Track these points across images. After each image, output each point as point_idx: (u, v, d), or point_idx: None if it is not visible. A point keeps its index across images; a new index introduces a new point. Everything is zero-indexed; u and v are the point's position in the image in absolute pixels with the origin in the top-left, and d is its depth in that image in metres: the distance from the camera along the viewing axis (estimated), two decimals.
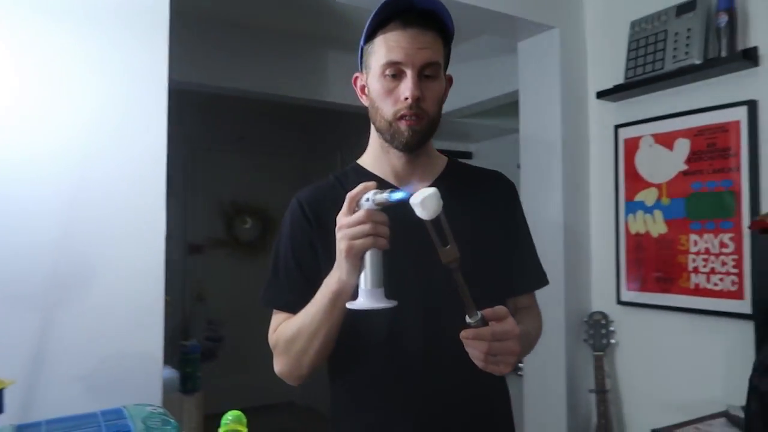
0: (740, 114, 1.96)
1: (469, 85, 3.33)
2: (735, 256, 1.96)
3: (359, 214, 0.92)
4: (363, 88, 1.16)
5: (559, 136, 2.41)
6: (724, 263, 1.99)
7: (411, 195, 0.86)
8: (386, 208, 0.92)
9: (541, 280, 1.23)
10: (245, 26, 3.05)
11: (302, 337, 1.05)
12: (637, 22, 2.25)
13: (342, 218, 0.94)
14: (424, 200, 0.83)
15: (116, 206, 1.55)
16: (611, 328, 2.32)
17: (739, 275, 1.95)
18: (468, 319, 0.90)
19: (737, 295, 1.95)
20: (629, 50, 2.26)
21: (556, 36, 2.43)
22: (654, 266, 2.20)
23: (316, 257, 1.11)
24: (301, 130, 5.21)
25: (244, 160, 5.25)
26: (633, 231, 2.29)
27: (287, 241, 1.15)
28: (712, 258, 2.03)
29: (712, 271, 2.02)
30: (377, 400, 1.09)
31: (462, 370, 0.99)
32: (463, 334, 0.90)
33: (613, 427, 2.28)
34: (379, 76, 1.07)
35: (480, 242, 1.11)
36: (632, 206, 2.29)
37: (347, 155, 4.50)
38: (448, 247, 0.89)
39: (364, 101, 1.17)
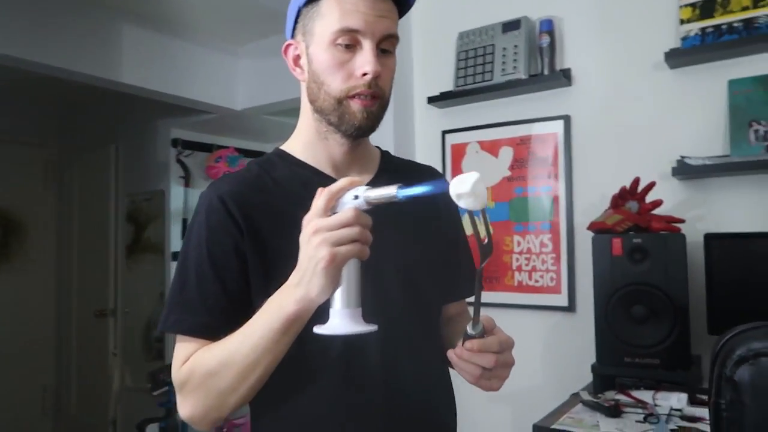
0: (557, 127, 2.18)
1: (280, 80, 3.14)
2: (553, 255, 2.17)
3: (347, 214, 0.73)
4: (298, 58, 0.96)
5: (392, 141, 2.40)
6: (544, 261, 2.19)
7: (439, 188, 0.72)
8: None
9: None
10: None
11: (231, 371, 0.80)
12: (465, 33, 2.36)
13: (318, 218, 0.74)
14: (475, 186, 0.68)
15: None
16: None
17: (557, 272, 2.16)
18: (470, 330, 0.79)
19: (556, 290, 2.15)
20: (458, 60, 2.36)
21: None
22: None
23: (244, 269, 0.88)
24: (61, 115, 4.36)
25: None
26: None
27: (203, 247, 0.89)
28: (534, 257, 2.21)
29: (534, 269, 2.21)
30: None
31: (423, 392, 0.92)
32: (469, 346, 0.77)
33: None
34: (327, 45, 0.88)
35: (422, 243, 1.00)
36: (460, 210, 2.38)
37: (126, 148, 3.91)
38: (486, 242, 0.75)
39: (298, 75, 0.96)
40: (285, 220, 0.88)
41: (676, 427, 1.39)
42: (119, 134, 3.93)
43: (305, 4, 0.91)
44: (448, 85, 2.42)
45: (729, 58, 1.90)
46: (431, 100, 2.41)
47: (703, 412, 1.45)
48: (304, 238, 0.75)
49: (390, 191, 0.73)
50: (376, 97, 0.90)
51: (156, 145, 3.71)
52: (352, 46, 0.88)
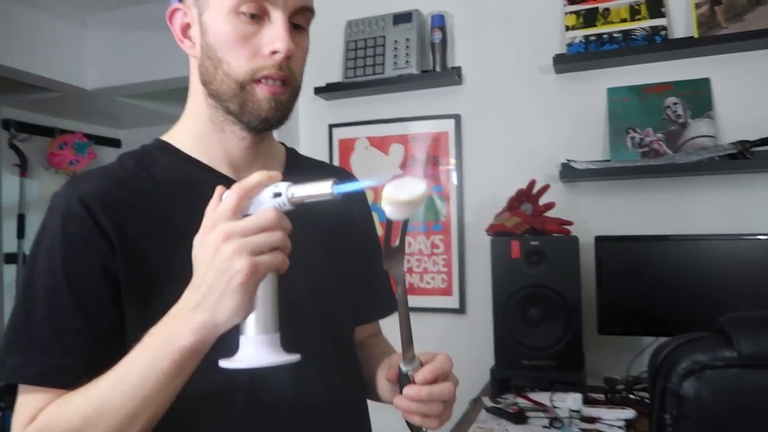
0: (449, 126, 2.15)
1: (141, 56, 2.79)
2: (445, 256, 2.14)
3: (267, 215, 0.58)
4: (187, 27, 0.78)
5: (275, 133, 2.20)
6: (435, 263, 2.15)
7: (374, 184, 0.67)
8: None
9: (393, 306, 1.04)
10: None
11: (105, 424, 0.61)
12: (355, 22, 2.25)
13: (227, 221, 0.58)
14: (418, 199, 0.60)
15: None
16: None
17: (449, 273, 2.13)
18: (403, 367, 0.70)
19: (447, 291, 2.13)
20: (347, 50, 2.23)
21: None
22: None
23: (115, 294, 0.69)
24: None
25: None
26: None
27: (57, 267, 0.68)
28: (425, 258, 2.16)
29: (425, 270, 2.16)
30: None
31: (336, 418, 0.81)
32: (412, 393, 0.68)
33: None
34: (228, 14, 0.72)
35: (333, 257, 0.87)
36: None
37: None
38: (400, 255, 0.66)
39: (187, 48, 0.79)
40: (169, 230, 0.71)
41: (579, 431, 1.41)
42: None
43: None
44: (336, 76, 2.28)
45: (609, 67, 1.98)
46: (318, 91, 2.26)
47: (599, 411, 1.49)
48: (207, 247, 0.58)
49: (323, 188, 0.59)
50: (287, 83, 0.75)
51: None
52: (258, 17, 0.72)
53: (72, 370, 0.65)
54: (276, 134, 2.23)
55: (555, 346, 1.66)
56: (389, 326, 1.02)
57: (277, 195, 0.60)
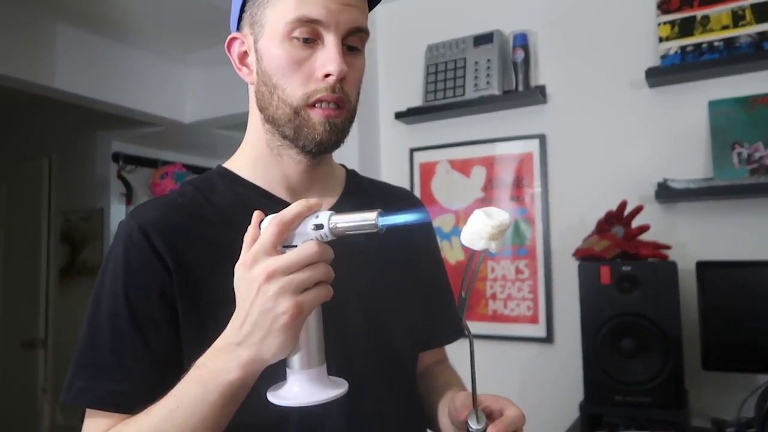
0: (533, 146, 2.07)
1: (234, 90, 2.94)
2: (530, 282, 2.04)
3: (309, 250, 0.57)
4: (244, 55, 0.78)
5: (356, 159, 2.23)
6: (520, 289, 2.06)
7: (423, 219, 0.59)
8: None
9: (459, 330, 0.99)
10: None
11: None
12: (435, 46, 2.24)
13: (267, 257, 0.57)
14: (502, 225, 0.56)
15: None
16: None
17: (534, 300, 2.03)
18: (473, 426, 0.65)
19: (533, 319, 2.02)
20: (428, 74, 2.22)
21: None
22: (454, 293, 2.16)
23: (172, 319, 0.69)
24: None
25: None
26: None
27: (119, 293, 0.70)
28: (509, 284, 2.08)
29: (509, 297, 2.07)
30: None
31: None
32: None
33: None
34: (282, 40, 0.72)
35: (392, 277, 0.83)
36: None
37: (61, 162, 3.59)
38: (466, 294, 0.61)
39: (245, 75, 0.79)
40: (225, 255, 0.69)
41: None
42: (53, 146, 3.60)
43: None
44: (416, 101, 2.28)
45: (710, 78, 1.83)
46: (398, 115, 2.27)
47: None
48: (249, 285, 0.57)
49: (368, 219, 0.57)
50: (342, 105, 0.73)
51: (95, 159, 3.41)
52: (312, 41, 0.71)
53: (131, 395, 0.66)
54: (358, 159, 2.27)
55: (652, 381, 1.52)
56: (456, 352, 0.97)
57: (319, 227, 0.58)
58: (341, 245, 0.60)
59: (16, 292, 3.68)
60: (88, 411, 0.69)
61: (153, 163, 3.48)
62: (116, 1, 2.36)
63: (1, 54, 2.21)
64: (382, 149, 2.39)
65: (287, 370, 0.60)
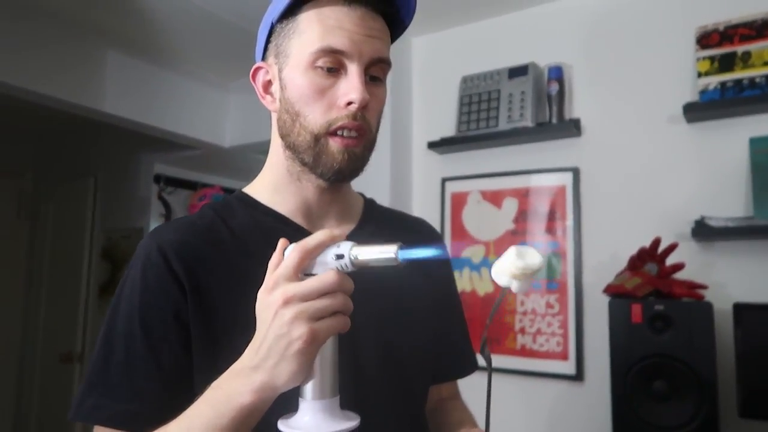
0: (566, 179, 2.05)
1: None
2: (560, 317, 2.00)
3: (329, 279, 0.57)
4: (269, 84, 0.80)
5: (388, 188, 2.24)
6: (549, 324, 2.02)
7: (442, 256, 0.59)
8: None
9: (473, 364, 0.98)
10: None
11: None
12: (470, 77, 2.25)
13: (287, 282, 0.58)
14: (529, 269, 0.57)
15: None
16: None
17: (564, 335, 1.98)
18: None
19: (562, 356, 1.97)
20: (461, 104, 2.24)
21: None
22: (480, 326, 2.14)
23: (186, 341, 0.70)
24: (37, 144, 4.17)
25: None
26: (459, 289, 2.21)
27: (134, 312, 0.71)
28: (539, 318, 2.04)
29: (539, 331, 2.03)
30: None
31: None
32: None
33: None
34: (306, 69, 0.73)
35: (407, 311, 0.82)
36: (459, 263, 2.22)
37: (105, 182, 3.72)
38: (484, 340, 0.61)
39: (268, 104, 0.81)
40: (241, 279, 0.71)
41: None
42: (98, 166, 3.74)
43: (279, 20, 0.76)
44: (449, 131, 2.29)
45: (750, 114, 1.79)
46: (431, 145, 2.28)
47: None
48: (268, 308, 0.58)
49: (387, 253, 0.57)
50: (362, 134, 0.74)
51: (137, 180, 3.53)
52: (335, 71, 0.73)
53: (142, 415, 0.67)
54: (389, 188, 2.28)
55: (686, 426, 1.46)
56: (474, 385, 0.95)
57: (340, 257, 0.58)
58: (356, 274, 0.60)
59: (57, 307, 3.80)
60: (97, 429, 0.70)
61: (192, 186, 3.58)
62: (163, 29, 2.46)
63: (56, 78, 2.32)
64: (414, 178, 2.40)
65: (300, 399, 0.61)
